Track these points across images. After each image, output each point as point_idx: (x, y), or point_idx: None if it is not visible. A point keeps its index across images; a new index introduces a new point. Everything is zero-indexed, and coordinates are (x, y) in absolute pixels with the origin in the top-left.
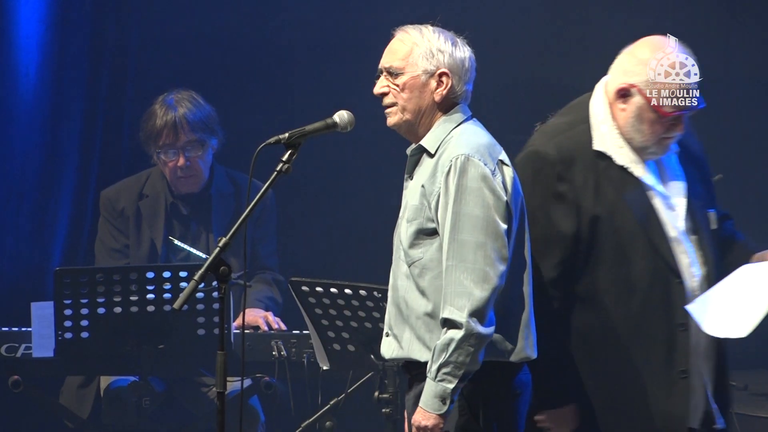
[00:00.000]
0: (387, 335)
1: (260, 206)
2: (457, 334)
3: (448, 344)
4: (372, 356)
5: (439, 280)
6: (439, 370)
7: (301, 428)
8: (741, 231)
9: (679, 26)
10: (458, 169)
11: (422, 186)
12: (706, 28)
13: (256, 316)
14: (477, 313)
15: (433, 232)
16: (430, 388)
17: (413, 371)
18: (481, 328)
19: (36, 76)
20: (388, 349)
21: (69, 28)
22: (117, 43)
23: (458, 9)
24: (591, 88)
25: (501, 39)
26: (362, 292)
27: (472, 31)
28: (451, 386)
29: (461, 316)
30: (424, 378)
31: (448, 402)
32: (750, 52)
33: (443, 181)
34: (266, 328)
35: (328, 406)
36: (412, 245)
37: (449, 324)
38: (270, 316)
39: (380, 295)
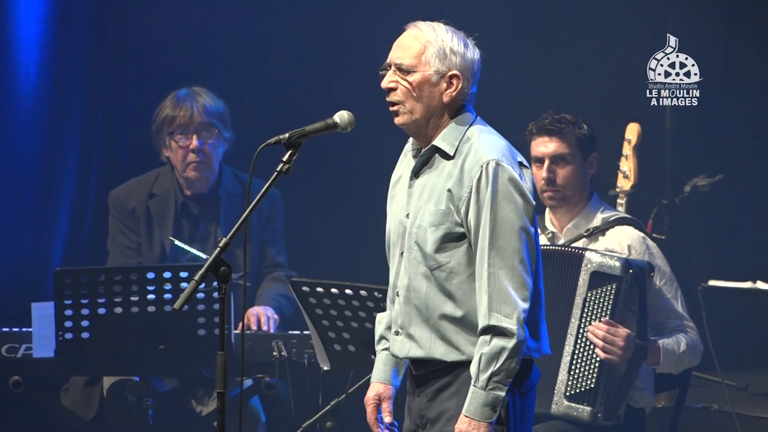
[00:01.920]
0: (398, 334)
1: (269, 207)
2: (508, 342)
3: (499, 353)
4: (372, 356)
5: (466, 284)
6: (490, 378)
7: (301, 428)
8: (741, 231)
9: (679, 26)
10: (490, 175)
11: (449, 191)
12: (706, 28)
13: (249, 313)
14: (522, 320)
15: (461, 237)
16: (480, 398)
17: (431, 367)
18: (525, 334)
19: (36, 76)
20: (402, 348)
21: (69, 27)
22: (117, 43)
23: (456, 8)
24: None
25: (498, 40)
26: (363, 293)
27: (469, 31)
28: (502, 393)
29: (511, 324)
30: (444, 374)
31: (498, 409)
32: (750, 52)
33: (474, 187)
34: (255, 328)
35: (329, 406)
36: (438, 249)
37: (496, 331)
38: (264, 317)
39: (380, 295)
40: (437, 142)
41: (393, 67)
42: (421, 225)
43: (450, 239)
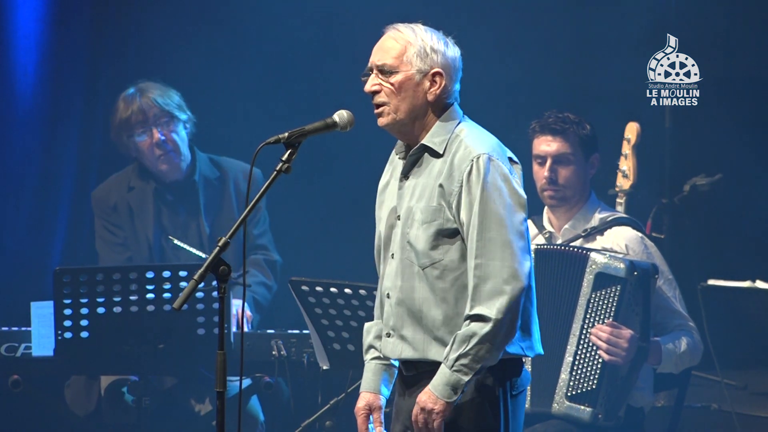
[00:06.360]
0: (389, 335)
1: (252, 189)
2: (482, 328)
3: (471, 336)
4: None
5: (460, 280)
6: (457, 359)
7: (300, 428)
8: (740, 231)
9: (679, 26)
10: (481, 169)
11: (440, 186)
12: (706, 28)
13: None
14: (506, 311)
15: (454, 233)
16: (444, 376)
17: (423, 368)
18: (507, 327)
19: (35, 75)
20: (395, 349)
21: (68, 26)
22: (116, 42)
23: (457, 9)
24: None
25: (499, 39)
26: (362, 292)
27: (470, 31)
28: (466, 378)
29: (490, 313)
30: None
31: (459, 392)
32: (750, 52)
33: (465, 181)
34: (234, 329)
35: (328, 405)
36: (432, 247)
37: (475, 318)
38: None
39: None
40: (426, 141)
41: (375, 70)
42: (413, 224)
43: (443, 235)
